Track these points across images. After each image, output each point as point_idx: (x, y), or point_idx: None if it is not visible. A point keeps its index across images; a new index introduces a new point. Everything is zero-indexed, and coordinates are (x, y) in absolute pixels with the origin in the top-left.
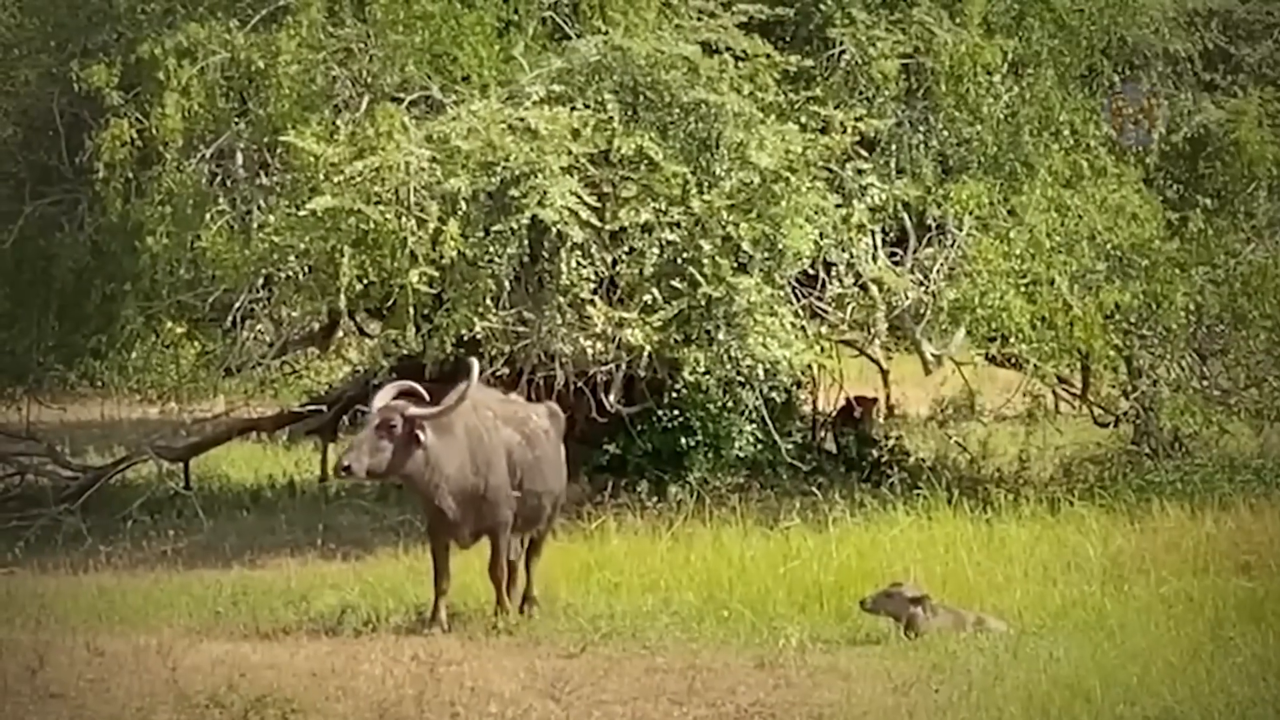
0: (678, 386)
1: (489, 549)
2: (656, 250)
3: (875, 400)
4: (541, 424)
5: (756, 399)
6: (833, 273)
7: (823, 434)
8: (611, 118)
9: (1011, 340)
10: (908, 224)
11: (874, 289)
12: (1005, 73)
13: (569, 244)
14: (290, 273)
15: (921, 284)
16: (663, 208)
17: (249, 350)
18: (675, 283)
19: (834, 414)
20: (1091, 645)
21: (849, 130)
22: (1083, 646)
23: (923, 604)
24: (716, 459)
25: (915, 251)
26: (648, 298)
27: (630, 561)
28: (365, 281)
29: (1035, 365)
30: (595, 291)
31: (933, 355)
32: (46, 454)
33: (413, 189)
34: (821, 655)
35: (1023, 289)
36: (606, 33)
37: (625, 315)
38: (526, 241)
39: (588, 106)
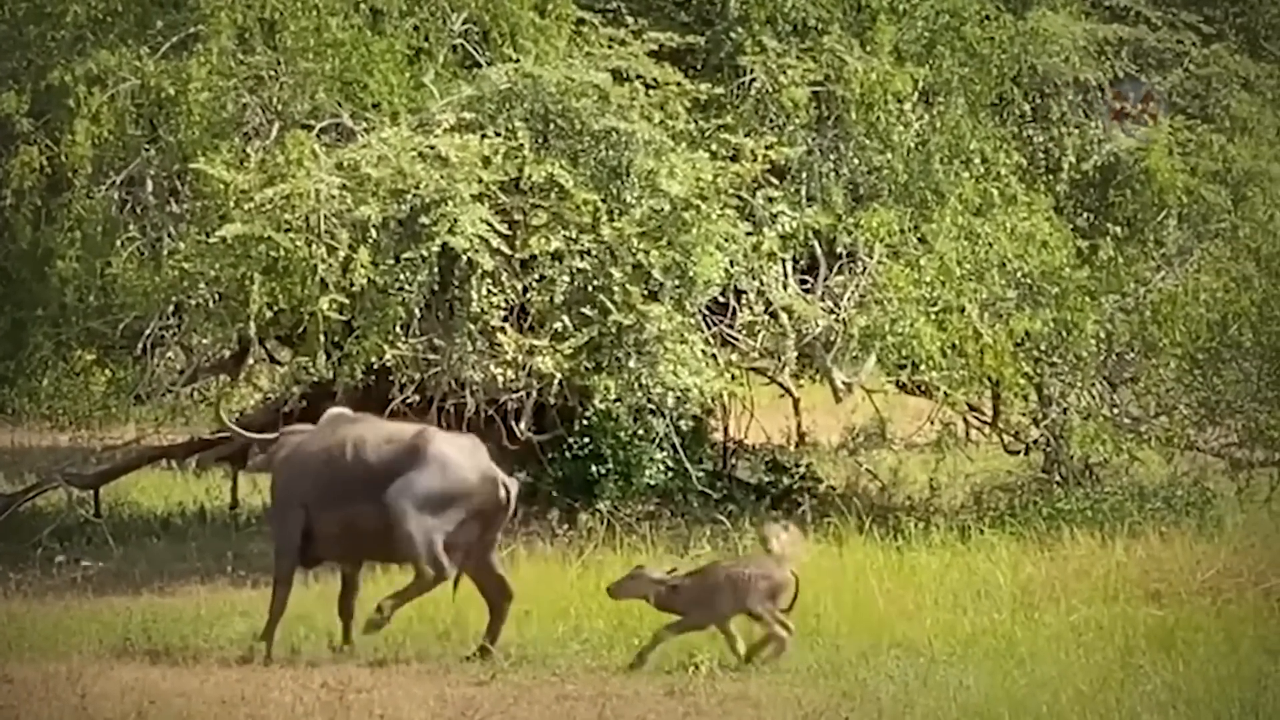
0: (588, 414)
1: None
2: (567, 278)
3: None
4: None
5: (667, 426)
6: (743, 300)
7: (733, 462)
8: (522, 145)
9: (922, 368)
10: (818, 251)
11: (784, 316)
12: (916, 101)
13: (479, 271)
14: (200, 300)
15: (832, 311)
16: (573, 235)
17: (159, 377)
18: (586, 310)
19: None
20: (1001, 673)
21: (759, 158)
22: (993, 674)
23: (664, 583)
24: (627, 486)
25: (826, 279)
26: (558, 325)
27: (540, 589)
28: (275, 309)
29: (946, 393)
30: (506, 319)
31: (843, 383)
32: None
33: (323, 216)
34: (732, 683)
35: (933, 316)
36: (517, 60)
37: (536, 343)
38: (437, 269)
39: (498, 134)
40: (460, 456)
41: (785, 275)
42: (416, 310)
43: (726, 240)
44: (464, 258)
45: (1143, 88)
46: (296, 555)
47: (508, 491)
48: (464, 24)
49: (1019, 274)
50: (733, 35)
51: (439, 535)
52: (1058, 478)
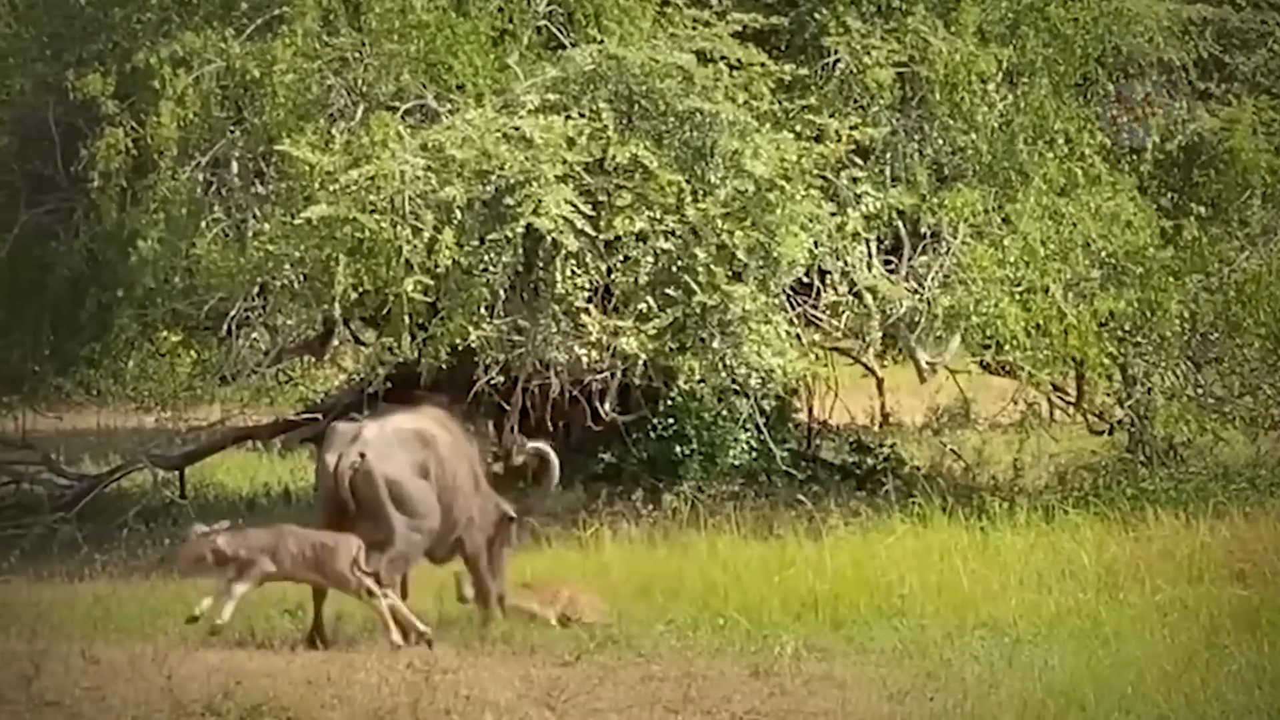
0: (673, 395)
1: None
2: (651, 259)
3: None
4: None
5: (751, 407)
6: (827, 281)
7: (817, 442)
8: (606, 126)
9: (1006, 348)
10: (902, 232)
11: (868, 297)
12: (1000, 81)
13: (564, 252)
14: (285, 281)
15: (916, 292)
16: (657, 216)
17: (244, 359)
18: (670, 291)
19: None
20: (1086, 653)
21: (844, 139)
22: (1077, 654)
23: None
24: (711, 467)
25: (910, 259)
26: (643, 306)
27: (625, 570)
28: (360, 290)
29: (1030, 373)
30: (590, 300)
31: (927, 363)
32: (42, 462)
33: (408, 198)
34: (816, 663)
35: (1017, 297)
36: (601, 41)
37: (620, 323)
38: (521, 250)
39: (583, 115)
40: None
41: (869, 255)
42: (501, 291)
43: (811, 221)
44: (548, 239)
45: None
46: None
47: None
48: (549, 5)
49: (1103, 254)
50: (817, 16)
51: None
52: (1142, 458)
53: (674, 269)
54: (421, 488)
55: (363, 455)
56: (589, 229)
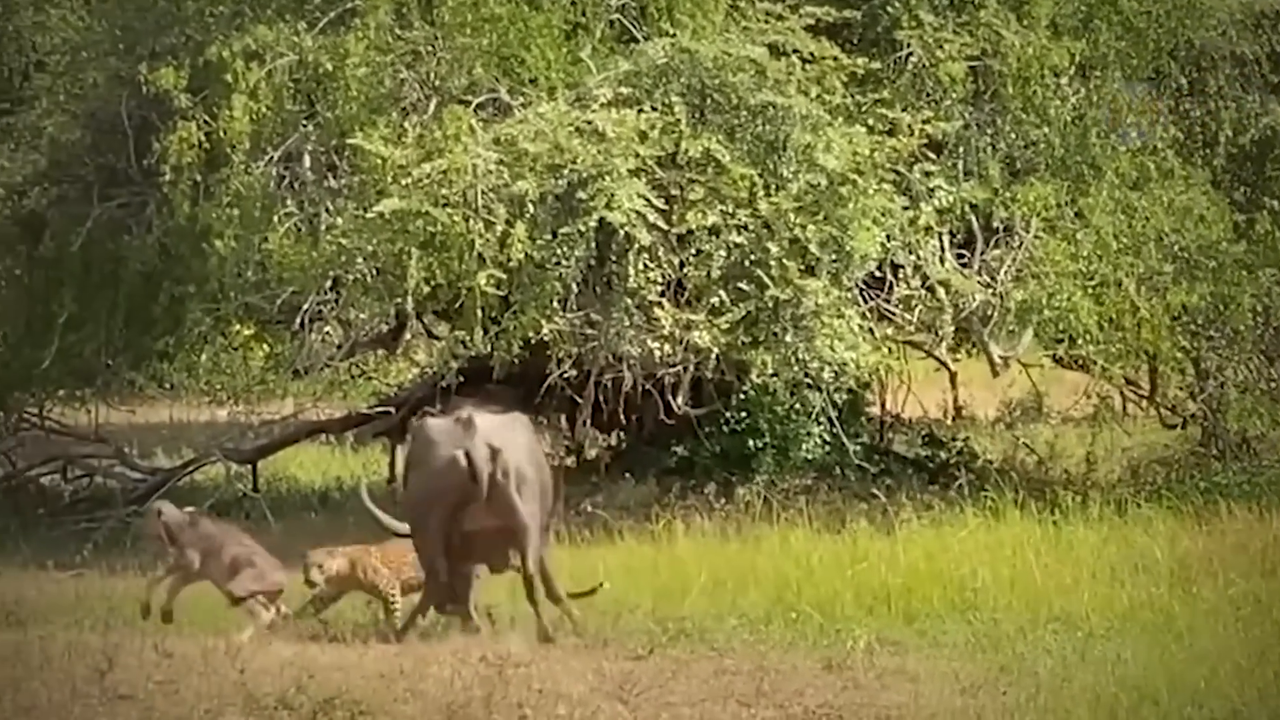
0: (745, 388)
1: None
2: (724, 252)
3: None
4: None
5: (824, 401)
6: (900, 275)
7: (890, 436)
8: (679, 120)
9: (1079, 342)
10: (975, 226)
11: (941, 291)
12: (1072, 75)
13: (636, 246)
14: (358, 275)
15: (988, 286)
16: (730, 210)
17: (317, 352)
18: (742, 285)
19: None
20: (1159, 647)
21: (916, 132)
22: (1150, 649)
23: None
24: (784, 461)
25: (982, 253)
26: (715, 300)
27: (698, 563)
28: (433, 284)
29: (1102, 367)
30: (663, 294)
31: (1000, 357)
32: (115, 456)
33: (480, 191)
34: (889, 657)
35: (1090, 290)
36: (674, 35)
37: (693, 317)
38: (594, 244)
39: (655, 109)
40: (435, 441)
41: (942, 249)
42: (574, 285)
43: (883, 215)
44: (621, 232)
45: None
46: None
47: (472, 467)
48: None
49: (1176, 248)
50: (889, 9)
51: (429, 530)
52: (1215, 451)
53: (746, 263)
54: (535, 478)
55: (493, 447)
56: (661, 223)
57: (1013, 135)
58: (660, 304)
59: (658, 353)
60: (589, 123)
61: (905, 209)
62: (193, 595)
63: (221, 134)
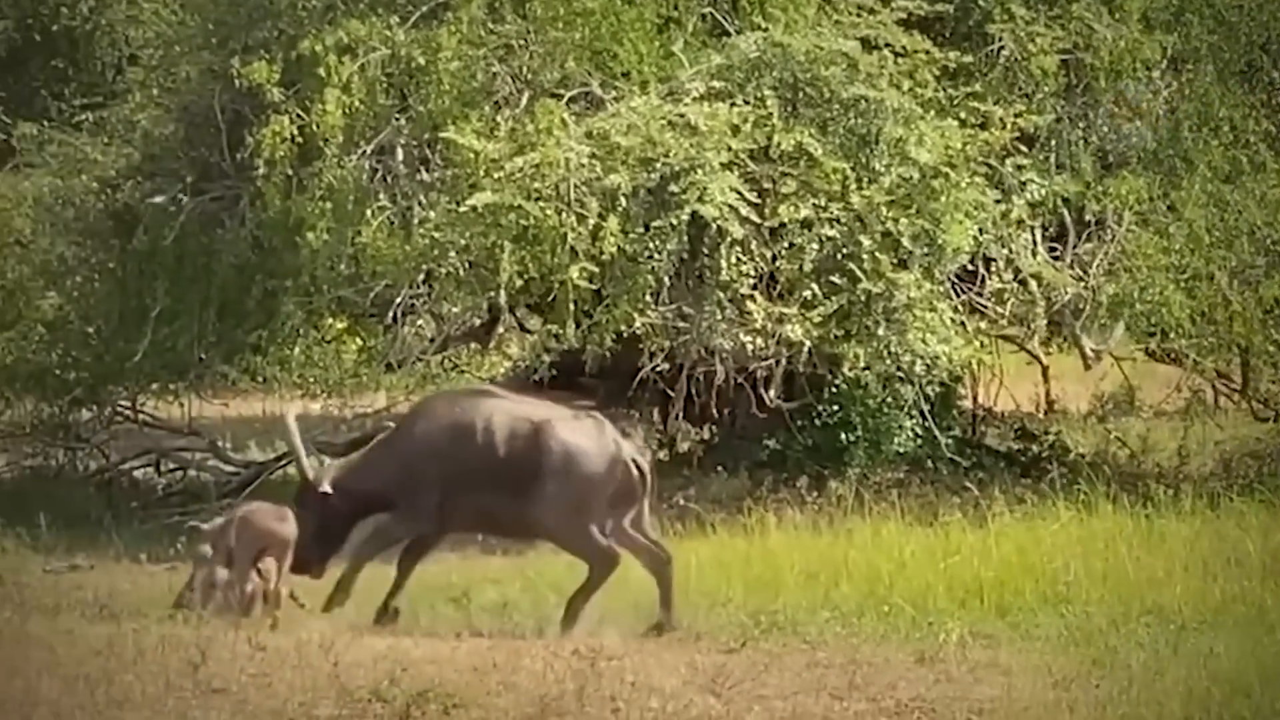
0: (837, 382)
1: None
2: (816, 246)
3: None
4: None
5: (916, 394)
6: (992, 268)
7: (982, 429)
8: (771, 114)
9: (1171, 335)
10: (1067, 219)
11: (1033, 284)
12: (1164, 68)
13: (729, 240)
14: (451, 268)
15: (1081, 279)
16: (822, 203)
17: (410, 346)
18: (835, 278)
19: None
20: (1251, 640)
21: (1008, 126)
22: (1243, 642)
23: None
24: (876, 454)
25: (1074, 247)
26: (807, 293)
27: (790, 556)
28: (525, 277)
29: (1195, 360)
30: (755, 287)
31: (1092, 350)
32: (208, 449)
33: (573, 185)
34: (982, 650)
35: (1182, 284)
36: (766, 29)
37: (785, 311)
38: (686, 237)
39: (747, 102)
40: (586, 445)
41: (1034, 243)
42: (666, 278)
43: (975, 208)
44: (713, 226)
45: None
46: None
47: (640, 469)
48: None
49: (1268, 241)
50: (981, 3)
51: (594, 526)
52: None
53: (839, 256)
54: None
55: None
56: (754, 216)
57: (1105, 129)
58: (752, 297)
59: (750, 346)
60: (681, 116)
61: (997, 202)
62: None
63: (314, 128)
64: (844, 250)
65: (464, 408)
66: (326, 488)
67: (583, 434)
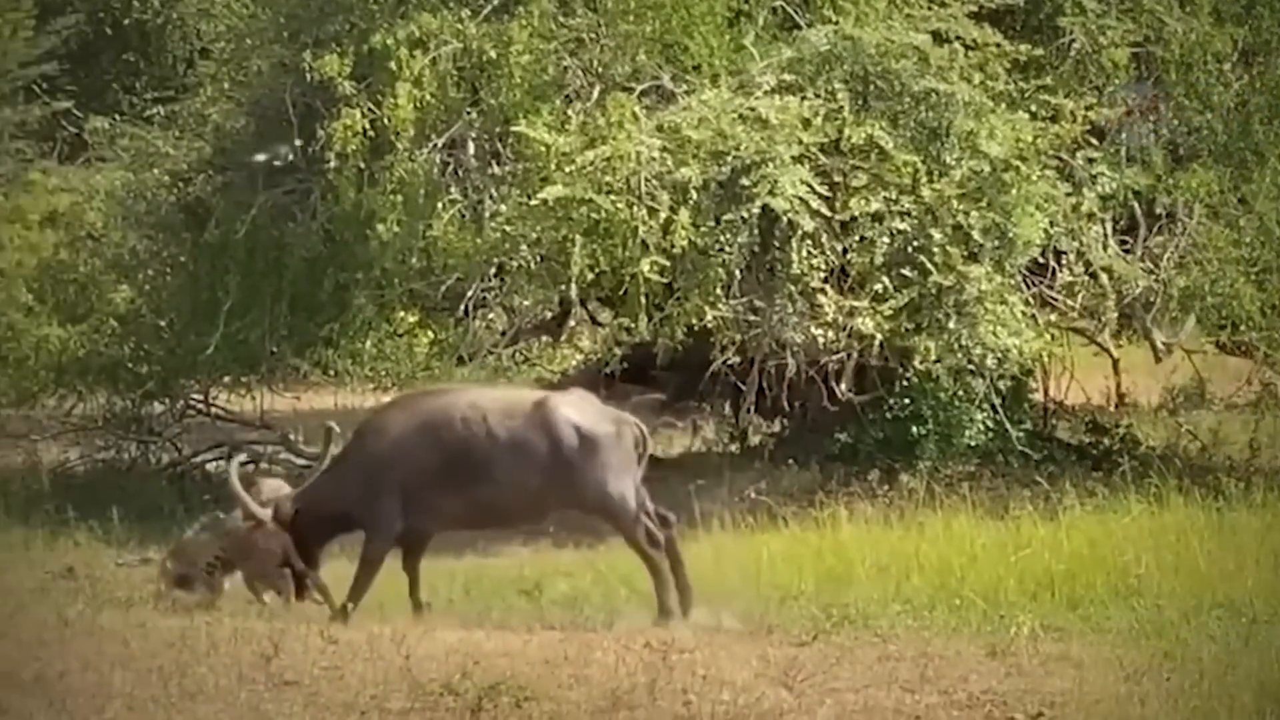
0: (908, 375)
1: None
2: (887, 239)
3: None
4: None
5: (987, 387)
6: (1063, 261)
7: (1053, 422)
8: (842, 107)
9: (1241, 328)
10: (1138, 212)
11: (1104, 277)
12: (1235, 61)
13: (800, 233)
14: (522, 262)
15: (1151, 272)
16: (893, 197)
17: (481, 339)
18: (906, 271)
19: None
20: None
21: (1079, 119)
22: None
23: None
24: (947, 447)
25: (1145, 239)
26: (878, 286)
27: (862, 549)
28: (597, 270)
29: (1265, 353)
30: (826, 280)
31: (1163, 343)
32: (280, 442)
33: (644, 178)
34: (1053, 644)
35: (1253, 276)
36: (837, 22)
37: (856, 304)
38: (757, 230)
39: (818, 96)
40: (588, 416)
41: (1105, 236)
42: (737, 272)
43: (1046, 201)
44: (784, 219)
45: (1146, 90)
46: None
47: (640, 431)
48: None
49: None
50: None
51: (630, 494)
52: None
53: (910, 249)
54: None
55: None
56: (825, 209)
57: (1175, 121)
58: (823, 290)
59: (821, 339)
60: (752, 110)
61: (1068, 195)
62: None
63: (386, 121)
64: (915, 243)
65: (438, 405)
66: (292, 509)
67: (580, 406)
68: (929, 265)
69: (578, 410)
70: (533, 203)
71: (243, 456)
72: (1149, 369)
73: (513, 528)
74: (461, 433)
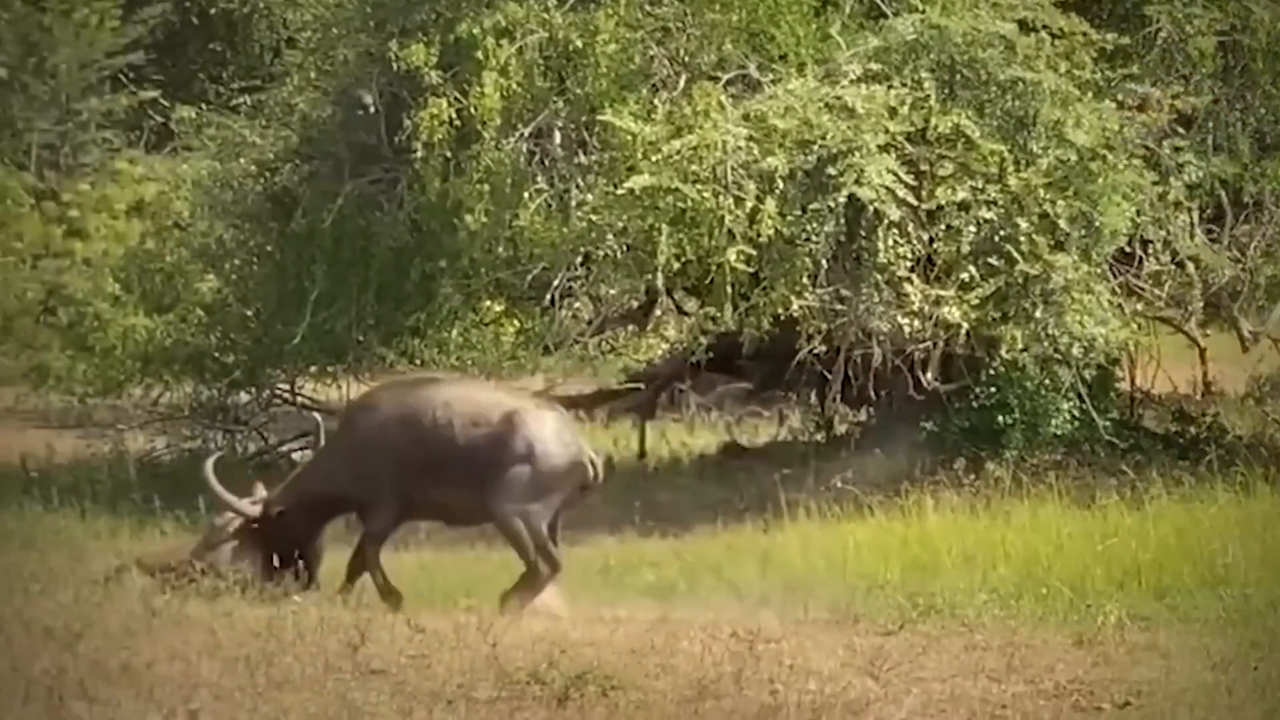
0: (995, 364)
1: None
2: (973, 228)
3: None
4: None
5: (1074, 376)
6: (1149, 250)
7: (1140, 411)
8: (928, 96)
9: None
10: (1224, 201)
11: (1190, 266)
12: None
13: (886, 222)
14: (608, 251)
15: (1238, 261)
16: (979, 186)
17: (567, 328)
18: (992, 260)
19: None
20: None
21: (1166, 108)
22: None
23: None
24: (1034, 436)
25: (1232, 228)
26: (965, 275)
27: (948, 538)
28: (683, 260)
29: None
30: (912, 269)
31: (1250, 332)
32: None
33: (730, 168)
34: (1140, 633)
35: None
36: (923, 11)
37: (942, 293)
38: (843, 220)
39: (904, 85)
40: (549, 440)
41: (1192, 225)
42: (823, 261)
43: (1133, 190)
44: (870, 208)
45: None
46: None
47: (595, 469)
48: None
49: None
50: None
51: (543, 525)
52: None
53: (996, 238)
54: None
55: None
56: (911, 198)
57: (1263, 110)
58: (910, 279)
59: (907, 328)
60: (838, 99)
61: (1155, 184)
62: (442, 570)
63: (472, 110)
64: (1001, 232)
65: (415, 397)
66: (278, 509)
67: (548, 427)
68: (1015, 254)
69: (540, 431)
70: (619, 192)
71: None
72: (1235, 358)
73: (472, 526)
74: (429, 430)
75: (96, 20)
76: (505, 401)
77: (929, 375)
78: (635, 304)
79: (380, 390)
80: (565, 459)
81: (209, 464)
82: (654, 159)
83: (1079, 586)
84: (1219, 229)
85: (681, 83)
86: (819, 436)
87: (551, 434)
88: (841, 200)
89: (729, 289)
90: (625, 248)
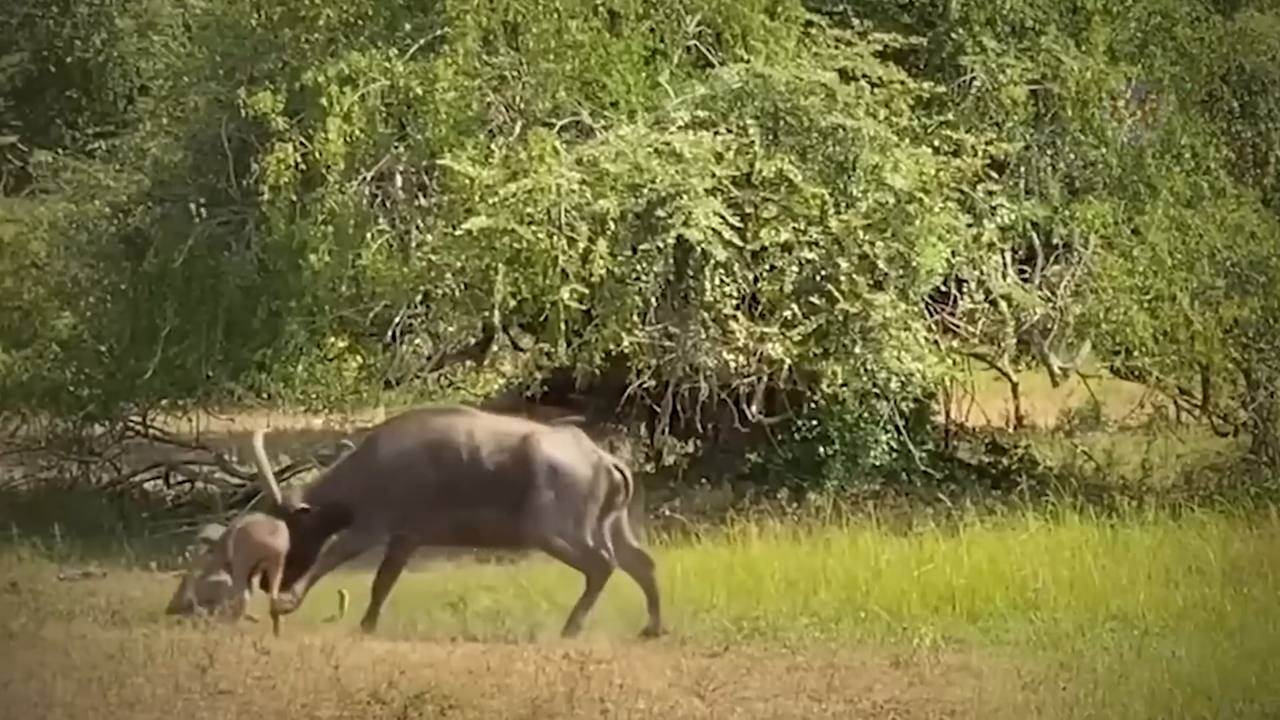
0: (816, 398)
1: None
2: (796, 268)
3: None
4: None
5: (891, 410)
6: (964, 289)
7: (954, 443)
8: (753, 142)
9: (1135, 354)
10: (1036, 242)
11: (1004, 305)
12: (1129, 98)
13: (712, 262)
14: (447, 289)
15: (1049, 300)
16: (802, 227)
17: (408, 363)
18: (814, 299)
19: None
20: (1212, 645)
21: (980, 153)
22: (1203, 646)
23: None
24: (853, 467)
25: (1043, 269)
26: (788, 313)
27: (771, 564)
28: (518, 298)
29: (1157, 378)
30: (737, 307)
31: (1060, 368)
32: (215, 462)
33: (564, 210)
34: (954, 654)
35: (1146, 305)
36: (748, 61)
37: (766, 330)
38: (672, 260)
39: (730, 131)
40: (568, 456)
41: (1004, 265)
42: (653, 299)
43: (948, 232)
44: (698, 249)
45: (1145, 90)
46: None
47: (623, 474)
48: (698, 26)
49: (1228, 263)
50: (954, 36)
51: (587, 534)
52: (1265, 458)
53: (818, 278)
54: None
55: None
56: (737, 240)
57: (1072, 156)
58: (735, 317)
59: (733, 364)
60: (667, 144)
61: (969, 226)
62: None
63: (317, 155)
64: (822, 272)
65: (442, 425)
66: (301, 505)
67: (564, 445)
68: (836, 293)
69: (560, 449)
70: (457, 233)
71: (262, 433)
72: (1046, 393)
73: (495, 550)
74: (456, 457)
75: None
76: (520, 427)
77: (753, 409)
78: (473, 340)
79: (405, 417)
80: (587, 472)
81: (258, 437)
82: (491, 202)
83: (896, 610)
84: (1030, 269)
85: (517, 129)
86: (648, 467)
87: (569, 451)
88: (670, 241)
89: (563, 326)
90: (463, 286)
